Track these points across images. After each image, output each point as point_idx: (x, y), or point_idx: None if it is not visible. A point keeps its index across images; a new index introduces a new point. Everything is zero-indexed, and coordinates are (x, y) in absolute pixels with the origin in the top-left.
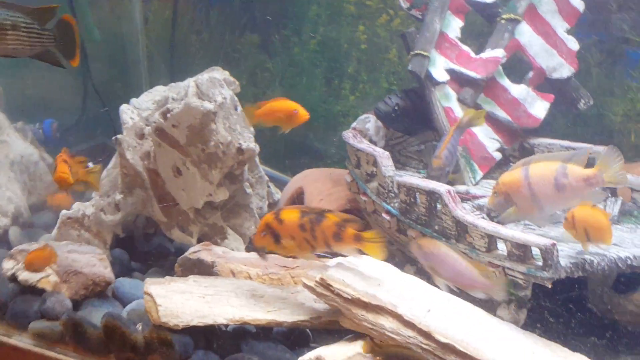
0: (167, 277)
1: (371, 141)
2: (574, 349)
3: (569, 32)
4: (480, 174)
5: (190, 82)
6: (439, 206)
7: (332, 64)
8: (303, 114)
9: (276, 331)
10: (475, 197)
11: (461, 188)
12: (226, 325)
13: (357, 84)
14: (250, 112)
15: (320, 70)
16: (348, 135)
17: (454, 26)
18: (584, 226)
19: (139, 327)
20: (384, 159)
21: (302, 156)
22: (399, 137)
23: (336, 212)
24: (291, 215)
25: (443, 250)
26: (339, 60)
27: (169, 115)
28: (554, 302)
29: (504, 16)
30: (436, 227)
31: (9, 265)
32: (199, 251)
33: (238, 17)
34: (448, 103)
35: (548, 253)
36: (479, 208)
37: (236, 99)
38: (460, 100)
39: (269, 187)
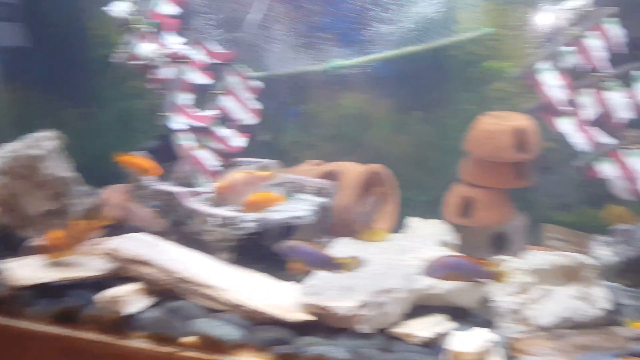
0: (20, 257)
1: None
2: (260, 271)
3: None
4: (207, 180)
5: (29, 137)
6: (176, 201)
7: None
8: (156, 168)
9: (86, 283)
10: (203, 193)
11: (195, 189)
12: (54, 282)
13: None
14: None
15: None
16: None
17: (186, 97)
18: (262, 203)
19: (4, 287)
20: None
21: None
22: (164, 162)
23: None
24: (58, 232)
25: (133, 206)
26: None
27: (16, 159)
28: (249, 246)
29: (214, 91)
30: (177, 213)
31: None
32: (39, 240)
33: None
34: (186, 141)
35: (240, 220)
36: (206, 200)
37: (58, 147)
38: (194, 140)
39: (87, 198)
